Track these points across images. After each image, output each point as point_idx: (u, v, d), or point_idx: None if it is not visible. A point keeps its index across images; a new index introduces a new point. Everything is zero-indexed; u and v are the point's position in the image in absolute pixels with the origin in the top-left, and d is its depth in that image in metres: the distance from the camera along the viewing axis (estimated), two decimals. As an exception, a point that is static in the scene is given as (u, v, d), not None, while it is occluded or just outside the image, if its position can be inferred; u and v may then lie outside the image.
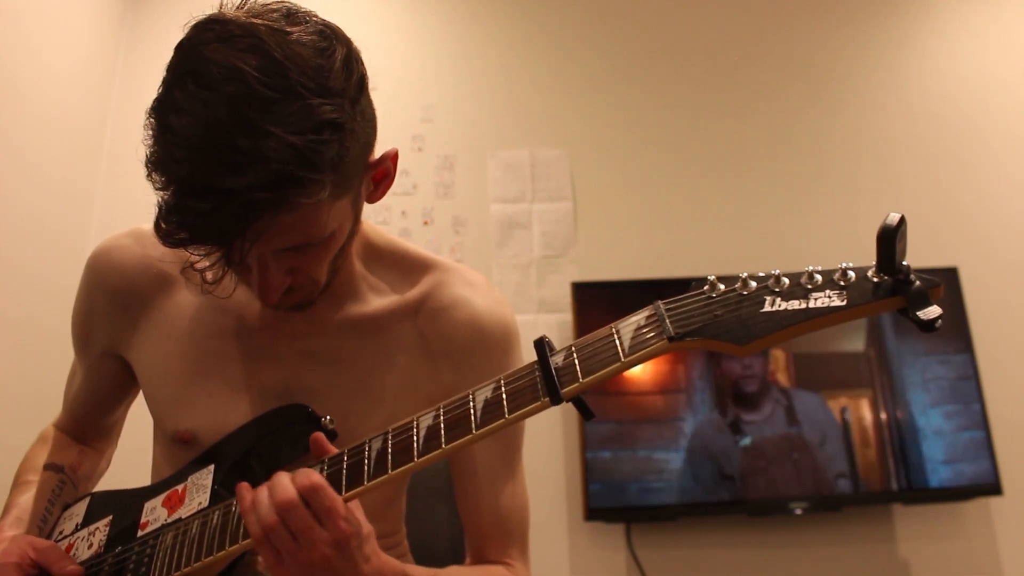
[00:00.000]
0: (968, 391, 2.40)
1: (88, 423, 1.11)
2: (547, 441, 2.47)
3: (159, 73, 0.75)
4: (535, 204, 2.74)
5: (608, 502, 2.33)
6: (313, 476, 0.73)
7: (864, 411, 2.41)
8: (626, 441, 2.36)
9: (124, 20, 2.86)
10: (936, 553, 2.41)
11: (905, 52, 2.92)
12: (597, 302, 2.50)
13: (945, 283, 2.46)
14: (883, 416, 2.39)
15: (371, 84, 0.82)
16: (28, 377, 2.14)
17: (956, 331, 2.46)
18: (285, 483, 0.73)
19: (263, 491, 0.74)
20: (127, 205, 2.61)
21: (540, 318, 2.60)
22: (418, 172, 2.74)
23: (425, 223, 2.70)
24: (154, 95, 0.75)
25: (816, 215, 2.72)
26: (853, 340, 2.48)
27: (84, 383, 1.08)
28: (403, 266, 0.99)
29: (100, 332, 1.02)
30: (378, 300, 0.97)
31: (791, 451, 2.36)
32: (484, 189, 2.75)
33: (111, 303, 1.00)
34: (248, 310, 0.96)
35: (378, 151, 0.87)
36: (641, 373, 2.41)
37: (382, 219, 2.66)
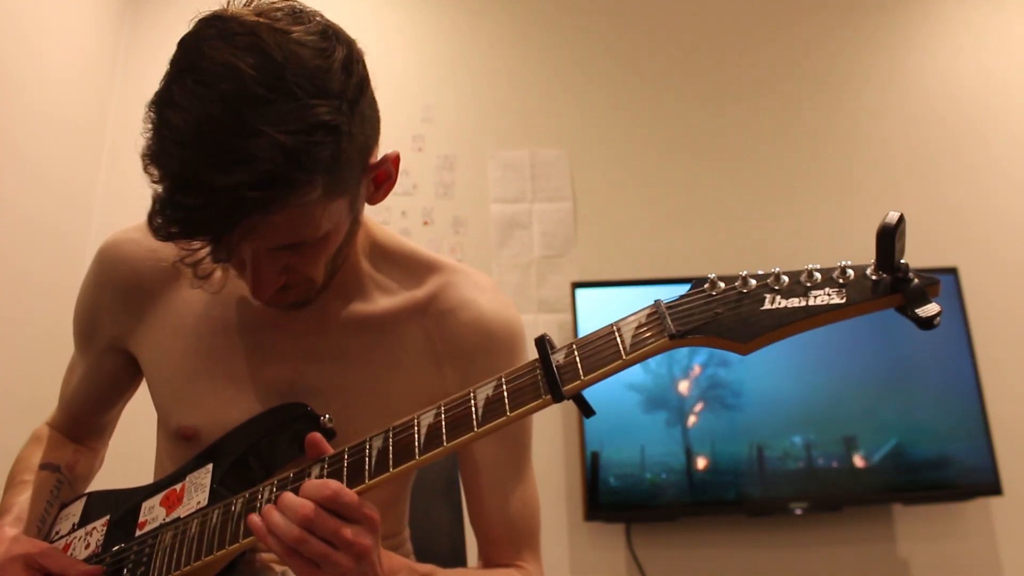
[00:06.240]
0: (968, 391, 2.41)
1: (85, 420, 1.11)
2: (547, 441, 2.47)
3: (159, 72, 0.76)
4: (535, 204, 2.73)
5: (608, 502, 2.33)
6: (331, 484, 0.72)
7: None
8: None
9: (124, 20, 2.86)
10: (936, 553, 2.41)
11: (906, 52, 2.92)
12: (597, 302, 2.50)
13: (945, 283, 2.48)
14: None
15: (371, 84, 0.82)
16: (27, 377, 2.13)
17: (956, 332, 2.46)
18: (299, 501, 0.72)
19: (273, 511, 0.73)
20: (127, 205, 2.61)
21: (540, 318, 2.60)
22: (418, 172, 2.74)
23: (425, 223, 2.70)
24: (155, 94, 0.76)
25: (817, 215, 2.72)
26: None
27: (85, 378, 1.07)
28: (410, 266, 0.99)
29: (106, 325, 1.02)
30: (385, 299, 0.97)
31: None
32: (484, 189, 2.75)
33: (119, 296, 1.00)
34: (255, 307, 0.95)
35: (379, 152, 0.86)
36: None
37: (382, 219, 2.66)
